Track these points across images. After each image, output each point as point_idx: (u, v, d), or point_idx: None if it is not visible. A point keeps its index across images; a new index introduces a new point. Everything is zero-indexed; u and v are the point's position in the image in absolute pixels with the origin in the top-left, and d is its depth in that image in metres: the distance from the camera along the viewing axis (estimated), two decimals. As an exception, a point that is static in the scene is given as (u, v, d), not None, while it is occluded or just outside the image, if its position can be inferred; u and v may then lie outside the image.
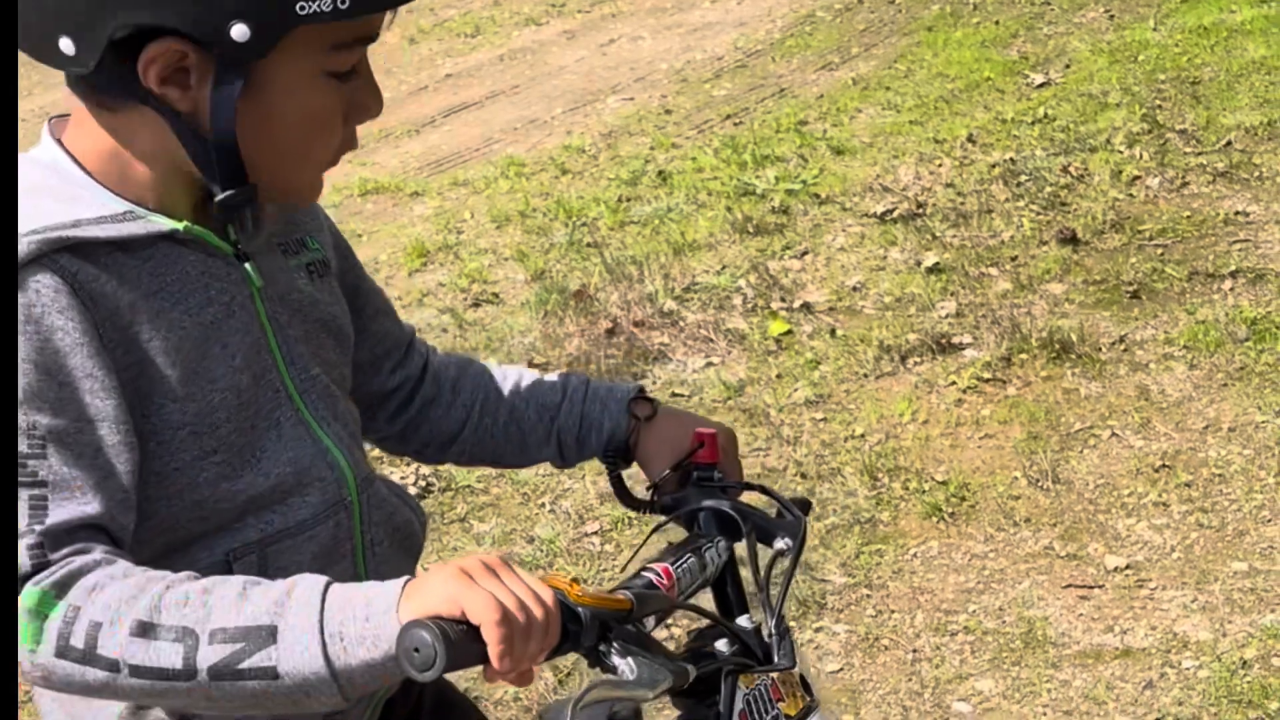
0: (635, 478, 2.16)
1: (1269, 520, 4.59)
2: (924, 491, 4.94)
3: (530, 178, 7.69)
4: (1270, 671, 4.01)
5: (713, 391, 5.65)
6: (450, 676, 1.56)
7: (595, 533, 4.96)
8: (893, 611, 4.49)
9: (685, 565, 1.81)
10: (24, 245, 1.53)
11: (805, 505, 2.07)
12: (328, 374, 1.84)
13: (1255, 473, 4.80)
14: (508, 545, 4.94)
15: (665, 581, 1.75)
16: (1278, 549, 4.47)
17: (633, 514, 2.08)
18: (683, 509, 1.96)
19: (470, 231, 7.21)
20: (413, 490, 5.20)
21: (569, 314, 6.20)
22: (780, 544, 1.90)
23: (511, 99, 8.99)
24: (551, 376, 2.13)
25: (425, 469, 5.31)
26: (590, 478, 5.22)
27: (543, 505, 5.13)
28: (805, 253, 6.58)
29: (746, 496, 2.10)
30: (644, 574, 1.76)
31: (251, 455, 1.72)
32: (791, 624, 4.11)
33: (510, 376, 2.14)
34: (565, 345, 6.00)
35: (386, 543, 1.88)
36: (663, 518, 1.99)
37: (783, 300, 6.17)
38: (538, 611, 1.47)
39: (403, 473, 5.28)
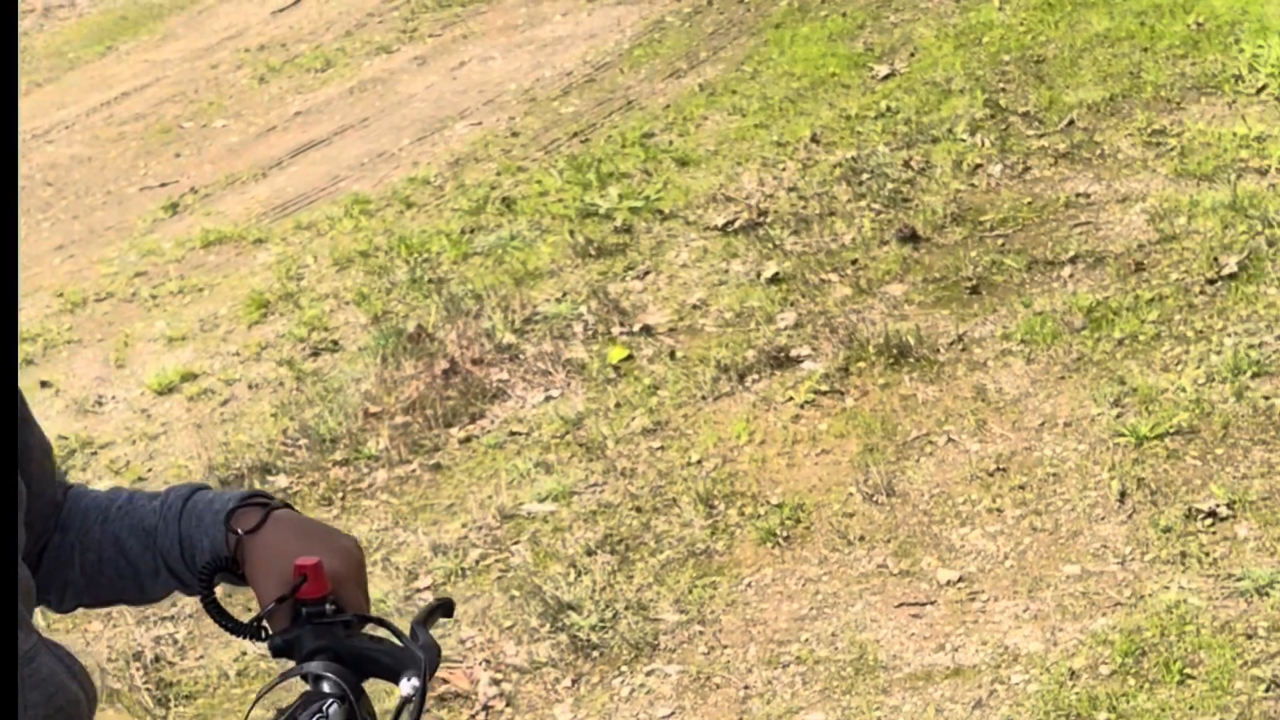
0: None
1: (1102, 518, 4.51)
2: (759, 516, 4.83)
3: (375, 215, 7.54)
4: (1098, 680, 3.92)
5: (550, 427, 5.52)
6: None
7: (428, 588, 4.83)
8: (725, 647, 4.38)
9: None
10: None
11: (447, 608, 1.93)
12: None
13: (1089, 469, 4.72)
14: (337, 610, 4.79)
15: None
16: (1110, 548, 4.39)
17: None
18: (296, 654, 1.80)
19: (312, 277, 7.05)
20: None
21: (406, 356, 6.05)
22: (407, 687, 1.74)
23: (360, 133, 8.83)
24: (155, 493, 1.95)
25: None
26: (423, 528, 5.09)
27: (375, 562, 4.98)
28: (647, 272, 6.46)
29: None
30: None
31: None
32: (624, 668, 4.00)
33: (115, 501, 1.95)
34: (403, 389, 5.86)
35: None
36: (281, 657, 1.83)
37: (623, 324, 6.05)
38: None
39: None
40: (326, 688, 1.73)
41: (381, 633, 1.83)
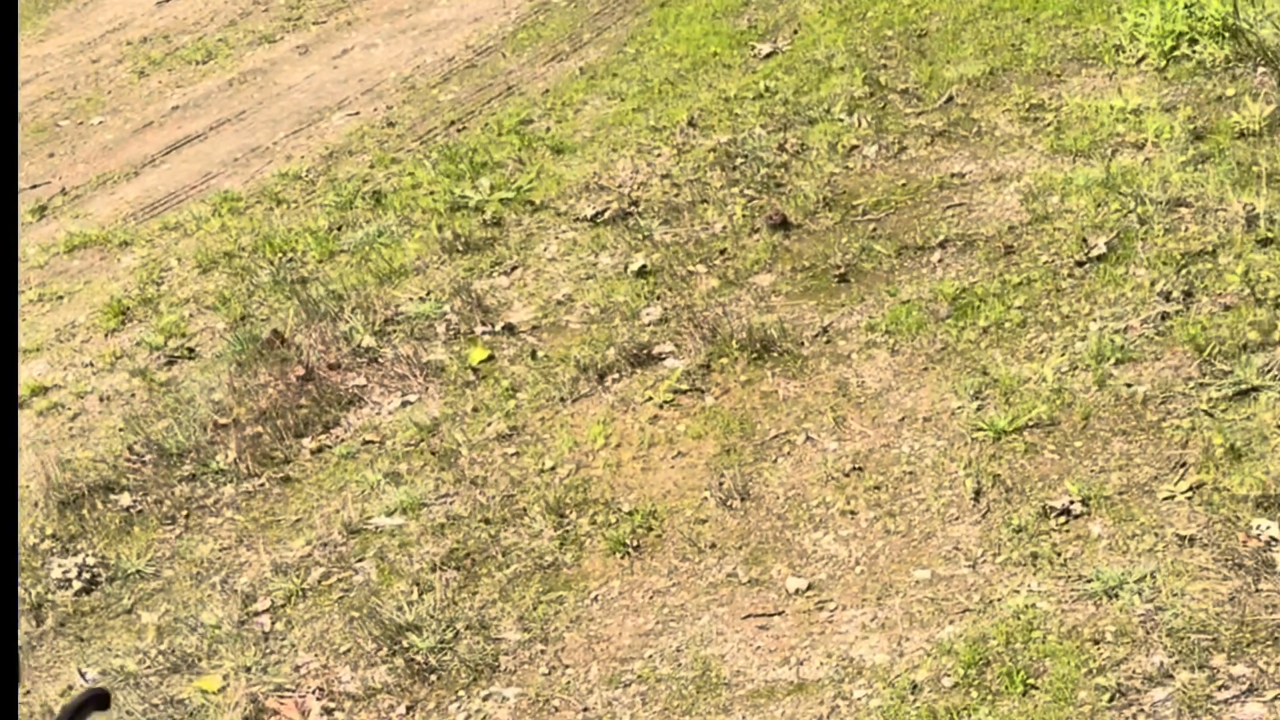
0: None
1: (956, 519, 4.36)
2: (611, 525, 4.66)
3: (243, 213, 7.32)
4: (939, 694, 3.78)
5: (405, 434, 5.33)
6: None
7: (266, 610, 4.64)
8: (567, 667, 4.21)
9: None
10: None
11: (101, 699, 1.74)
12: None
13: (946, 466, 4.57)
14: (173, 637, 4.60)
15: None
16: (962, 550, 4.25)
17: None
18: None
19: (174, 281, 6.82)
20: (77, 584, 4.85)
21: (262, 363, 5.85)
22: None
23: (236, 127, 8.59)
24: None
25: (90, 558, 4.95)
26: (267, 546, 4.90)
27: (214, 585, 4.79)
28: (515, 268, 6.28)
29: None
30: None
31: None
32: (461, 693, 3.83)
33: None
34: (256, 398, 5.65)
35: None
36: None
37: (486, 323, 5.86)
38: None
39: (65, 565, 4.92)
40: None
41: None
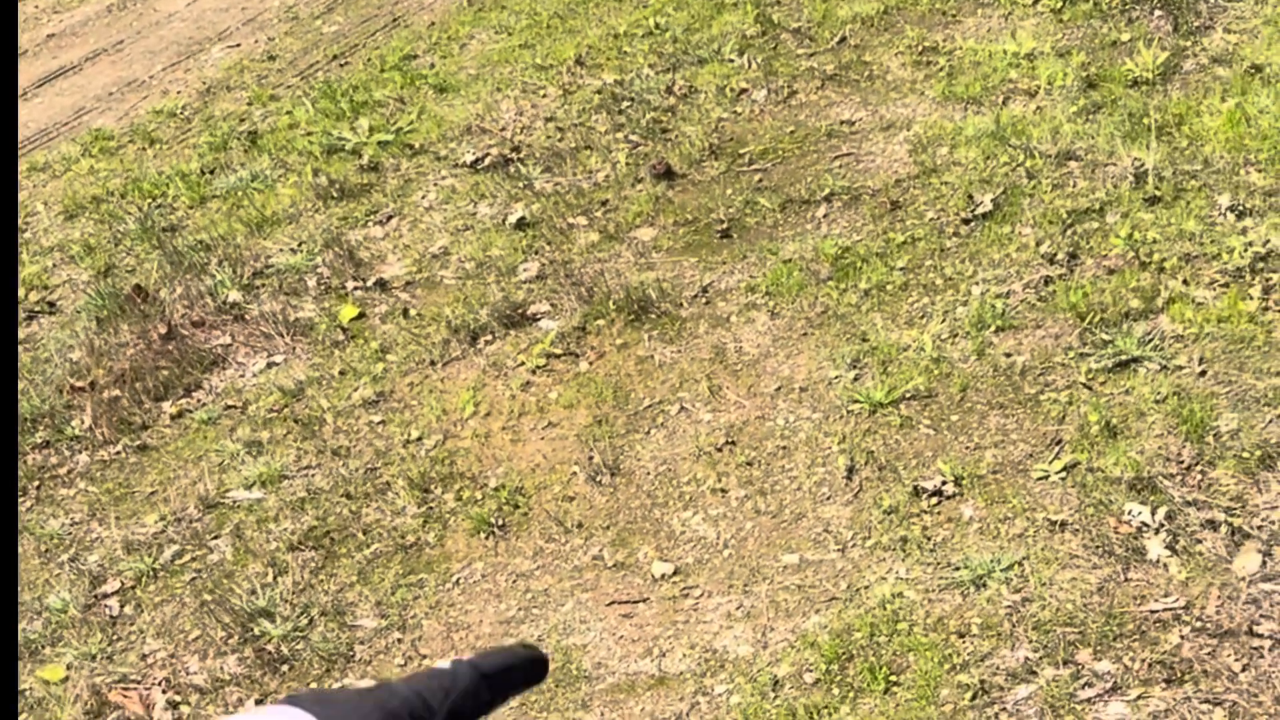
0: None
1: (827, 498, 4.23)
2: (476, 501, 4.50)
3: (115, 154, 7.04)
4: (800, 690, 3.66)
5: (268, 400, 5.14)
6: None
7: (114, 593, 4.45)
8: (424, 657, 4.06)
9: None
10: None
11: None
12: None
13: (820, 441, 4.43)
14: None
15: None
16: (831, 533, 4.12)
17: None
18: None
19: (39, 227, 6.56)
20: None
21: (124, 319, 5.62)
22: None
23: (114, 58, 8.27)
24: None
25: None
26: (119, 521, 4.70)
27: (61, 564, 4.60)
28: (391, 217, 6.06)
29: None
30: None
31: None
32: (313, 685, 3.66)
33: None
34: (117, 359, 5.43)
35: None
36: None
37: (358, 278, 5.66)
38: None
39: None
40: None
41: None
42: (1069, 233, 5.04)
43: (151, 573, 4.48)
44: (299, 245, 5.96)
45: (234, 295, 5.62)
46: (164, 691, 4.07)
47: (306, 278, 5.74)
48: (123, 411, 5.17)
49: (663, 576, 4.14)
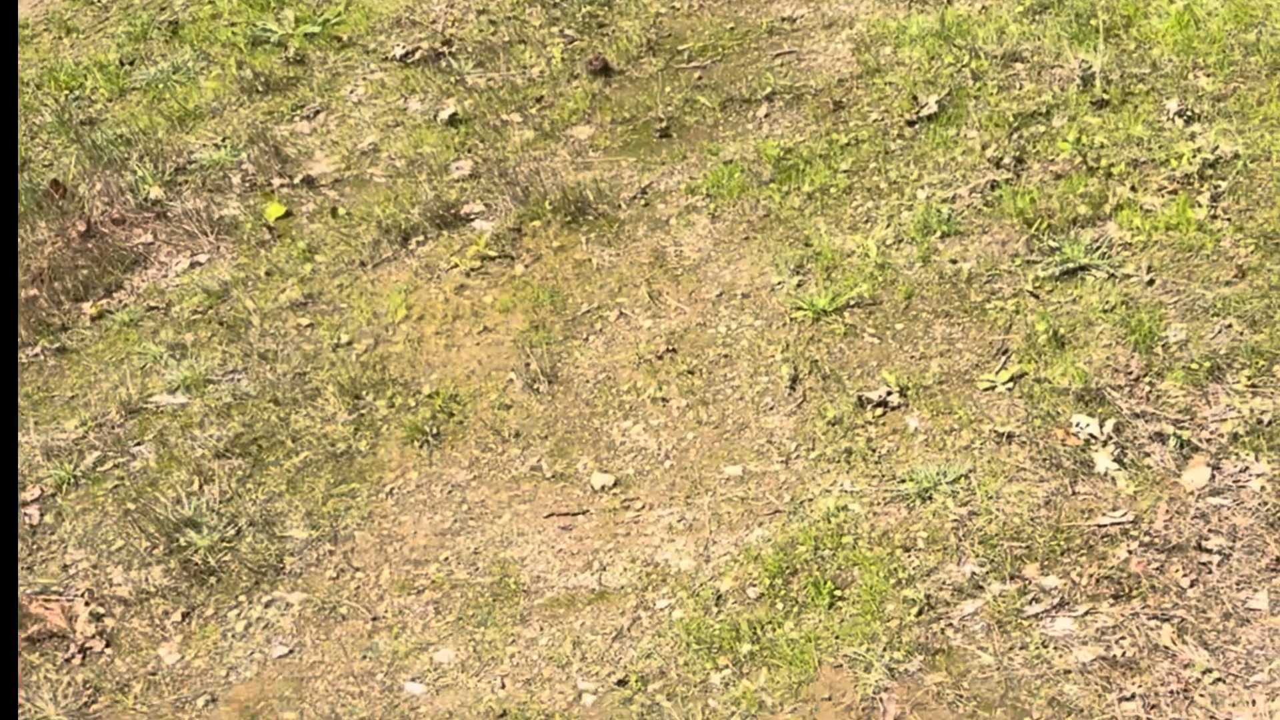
0: None
1: (770, 408, 4.14)
2: (410, 409, 4.38)
3: (29, 43, 6.78)
4: (744, 605, 3.59)
5: (191, 301, 4.98)
6: None
7: (35, 500, 4.31)
8: (356, 570, 3.96)
9: None
10: None
11: None
12: None
13: (763, 349, 4.34)
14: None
15: None
16: (774, 444, 4.04)
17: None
18: None
19: (-51, 117, 6.29)
20: None
21: (41, 216, 5.42)
22: None
23: (25, -62, 7.93)
24: None
25: None
26: (39, 426, 4.55)
27: (-20, 473, 4.43)
28: (318, 112, 5.87)
29: None
30: None
31: None
32: (241, 598, 3.57)
33: None
34: (33, 257, 5.24)
35: None
36: None
37: (284, 175, 5.47)
38: None
39: None
40: None
41: None
42: (1015, 136, 4.94)
43: (72, 480, 4.34)
44: (223, 140, 5.76)
45: (155, 192, 5.43)
46: (87, 604, 3.95)
47: (231, 174, 5.56)
48: (41, 312, 4.99)
49: (603, 488, 4.04)
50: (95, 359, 4.83)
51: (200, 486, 4.23)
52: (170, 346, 4.79)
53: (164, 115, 5.97)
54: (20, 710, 3.63)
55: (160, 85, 6.20)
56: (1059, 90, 5.11)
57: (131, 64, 6.42)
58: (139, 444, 4.45)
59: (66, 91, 6.27)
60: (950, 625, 3.48)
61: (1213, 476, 3.69)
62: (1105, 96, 5.01)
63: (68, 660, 3.84)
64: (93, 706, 3.74)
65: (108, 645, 3.84)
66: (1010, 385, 4.05)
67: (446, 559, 3.94)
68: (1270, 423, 3.77)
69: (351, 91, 5.98)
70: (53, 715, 3.69)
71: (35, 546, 4.17)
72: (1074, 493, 3.73)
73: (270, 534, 4.07)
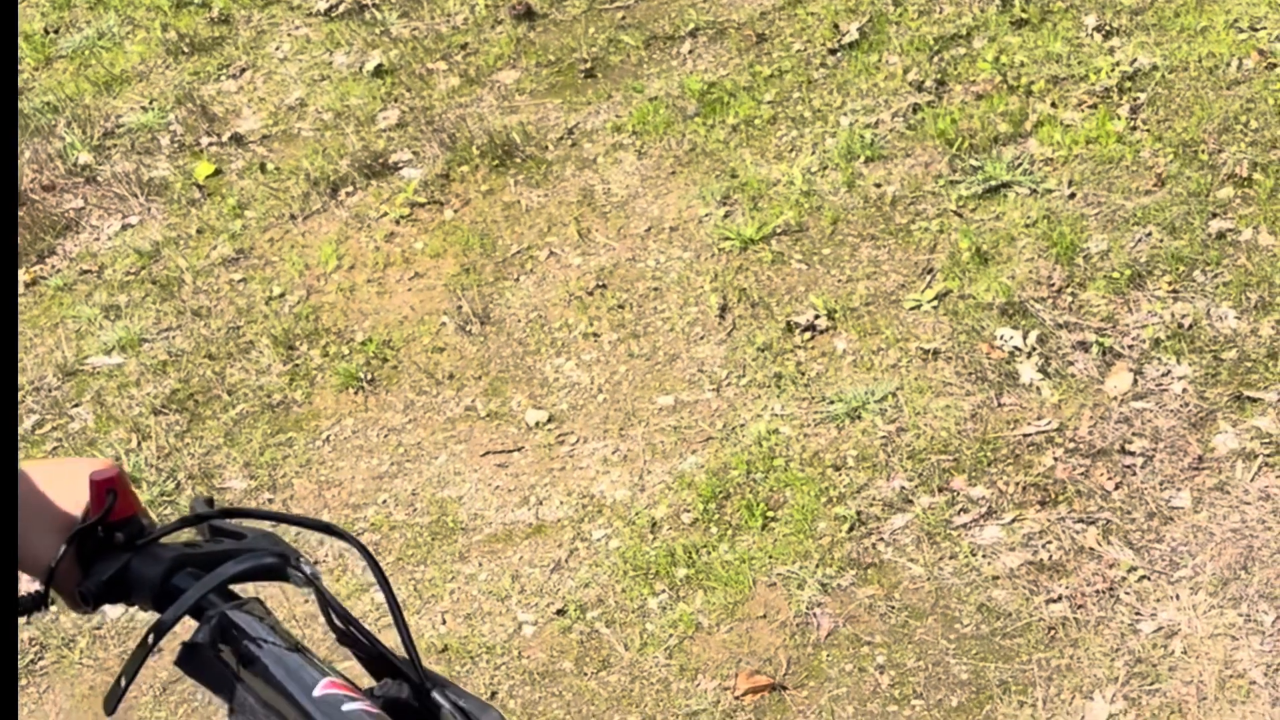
0: None
1: (701, 338, 4.18)
2: (344, 357, 4.40)
3: (-50, 13, 6.72)
4: (679, 531, 3.63)
5: (124, 262, 4.98)
6: None
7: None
8: (296, 517, 3.96)
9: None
10: None
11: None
12: None
13: (692, 280, 4.37)
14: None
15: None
16: (705, 373, 4.07)
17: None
18: (141, 588, 1.41)
19: (-127, 93, 6.26)
20: None
21: (-30, 188, 5.39)
22: (307, 569, 1.38)
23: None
24: None
25: None
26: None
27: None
28: (244, 70, 5.85)
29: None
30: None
31: None
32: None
33: None
34: (-37, 228, 5.21)
35: None
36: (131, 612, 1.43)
37: (212, 134, 5.47)
38: None
39: None
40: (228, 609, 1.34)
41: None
42: (936, 59, 4.97)
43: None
44: (150, 103, 5.74)
45: (85, 157, 5.42)
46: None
47: (159, 136, 5.55)
48: (-28, 281, 4.98)
49: (537, 424, 4.07)
50: (30, 325, 4.82)
51: (139, 444, 4.24)
52: (104, 308, 4.79)
53: (90, 81, 5.95)
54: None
55: (86, 51, 6.17)
56: (979, 12, 5.15)
57: (56, 32, 6.39)
58: (76, 405, 4.46)
59: (-9, 61, 6.23)
60: (881, 540, 3.53)
61: (1135, 381, 3.74)
62: (1024, 16, 5.05)
63: (12, 621, 3.85)
64: (39, 663, 3.75)
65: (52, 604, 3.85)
66: (935, 303, 4.10)
67: (385, 501, 3.97)
68: (1191, 326, 3.82)
69: (277, 48, 5.97)
70: (-1, 675, 3.71)
71: None
72: (1000, 404, 3.78)
73: (209, 485, 4.09)
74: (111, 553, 1.44)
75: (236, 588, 1.40)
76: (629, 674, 3.38)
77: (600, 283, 4.46)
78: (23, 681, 3.72)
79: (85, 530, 1.42)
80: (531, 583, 3.65)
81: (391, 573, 3.76)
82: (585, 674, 3.40)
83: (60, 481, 1.48)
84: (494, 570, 3.71)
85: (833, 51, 5.17)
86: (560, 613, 3.55)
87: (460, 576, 3.71)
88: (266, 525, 1.50)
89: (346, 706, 1.22)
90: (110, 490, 1.42)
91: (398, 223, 4.87)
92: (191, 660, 1.32)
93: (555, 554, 3.70)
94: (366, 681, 1.33)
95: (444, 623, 3.60)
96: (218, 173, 5.30)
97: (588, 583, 3.60)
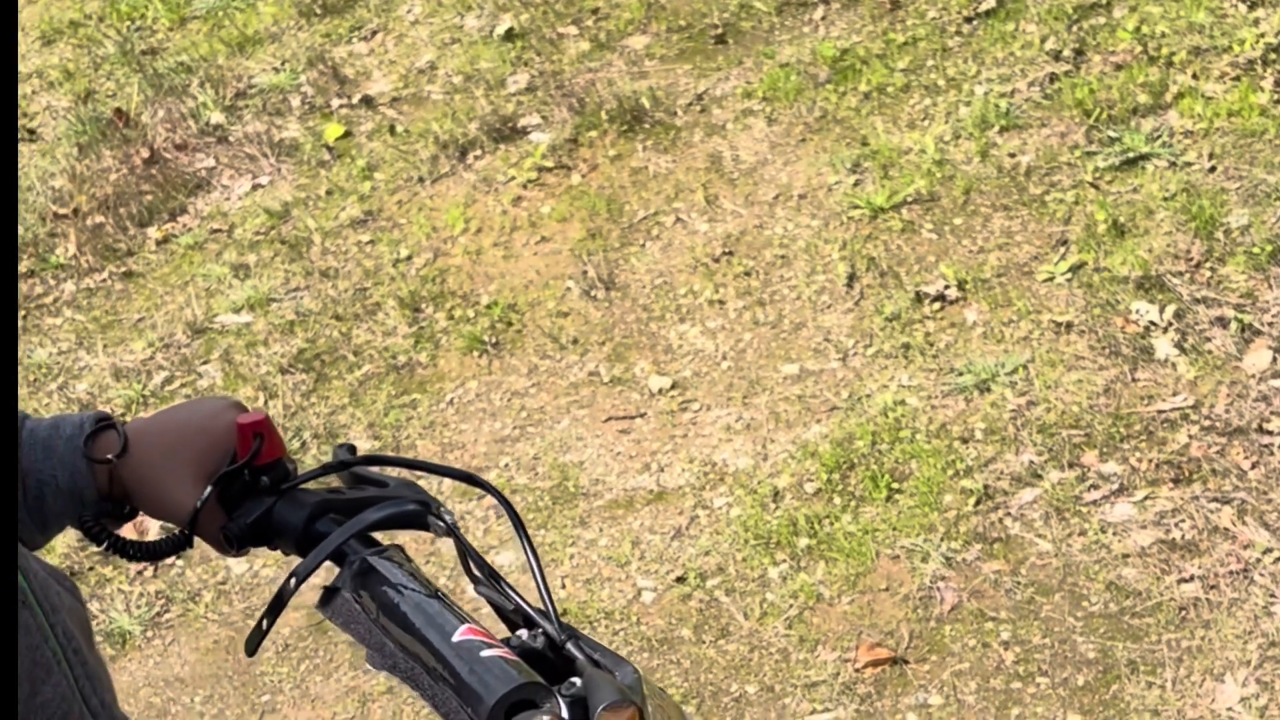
0: None
1: (828, 306, 4.13)
2: (469, 320, 4.41)
3: (90, -25, 6.83)
4: (801, 501, 3.59)
5: (254, 222, 5.02)
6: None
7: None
8: (418, 478, 3.98)
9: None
10: None
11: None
12: None
13: (820, 248, 4.32)
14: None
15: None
16: (832, 342, 4.03)
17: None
18: (286, 531, 1.42)
19: (15, 52, 6.36)
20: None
21: (105, 145, 5.48)
22: (447, 518, 1.41)
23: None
24: None
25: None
26: (108, 348, 4.62)
27: (50, 392, 4.52)
28: (375, 32, 5.88)
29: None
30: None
31: None
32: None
33: None
34: (98, 185, 5.30)
35: (78, 635, 1.35)
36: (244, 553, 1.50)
37: (343, 96, 5.50)
38: None
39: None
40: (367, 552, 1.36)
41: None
42: (1075, 28, 4.86)
43: (141, 399, 4.40)
44: (282, 64, 5.79)
45: (217, 117, 5.47)
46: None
47: (290, 97, 5.58)
48: (107, 238, 5.06)
49: (660, 391, 4.05)
50: (161, 282, 4.89)
51: (265, 402, 4.27)
52: (234, 267, 4.83)
53: (224, 42, 6.00)
54: (95, 620, 3.71)
55: (220, 13, 6.23)
56: (1119, -20, 5.02)
57: (191, -7, 6.46)
58: (205, 363, 4.51)
59: (128, 22, 6.32)
60: (1008, 514, 3.47)
61: (1275, 359, 3.64)
62: (1167, -16, 4.92)
63: (140, 573, 3.91)
64: (165, 616, 3.80)
65: (178, 558, 3.91)
66: (1069, 276, 4.01)
67: (506, 465, 3.97)
68: (1334, 304, 3.71)
69: (408, 11, 5.98)
70: (126, 624, 3.77)
71: (106, 464, 4.24)
72: (1134, 379, 3.69)
73: (333, 445, 4.10)
74: (256, 496, 1.44)
75: (378, 535, 1.39)
76: (748, 643, 3.35)
77: (727, 249, 4.42)
78: (148, 633, 3.78)
79: (231, 473, 1.43)
80: (651, 549, 3.63)
81: (511, 536, 3.76)
82: (704, 642, 3.38)
83: (201, 424, 1.49)
84: (614, 536, 3.69)
85: (969, 19, 5.07)
86: (680, 580, 3.53)
87: (580, 541, 3.70)
88: (408, 474, 1.49)
89: (484, 652, 1.21)
90: (257, 434, 1.43)
91: (525, 187, 4.86)
92: (331, 604, 1.32)
93: (676, 521, 3.68)
94: (501, 633, 1.31)
95: (563, 587, 3.59)
96: (347, 134, 5.33)
97: (708, 550, 3.58)
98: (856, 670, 3.21)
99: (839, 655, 3.25)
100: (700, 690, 3.27)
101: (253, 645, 1.37)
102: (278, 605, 1.32)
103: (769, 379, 3.99)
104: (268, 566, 3.86)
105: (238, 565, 3.87)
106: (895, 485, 3.56)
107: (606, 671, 1.22)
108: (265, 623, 1.34)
